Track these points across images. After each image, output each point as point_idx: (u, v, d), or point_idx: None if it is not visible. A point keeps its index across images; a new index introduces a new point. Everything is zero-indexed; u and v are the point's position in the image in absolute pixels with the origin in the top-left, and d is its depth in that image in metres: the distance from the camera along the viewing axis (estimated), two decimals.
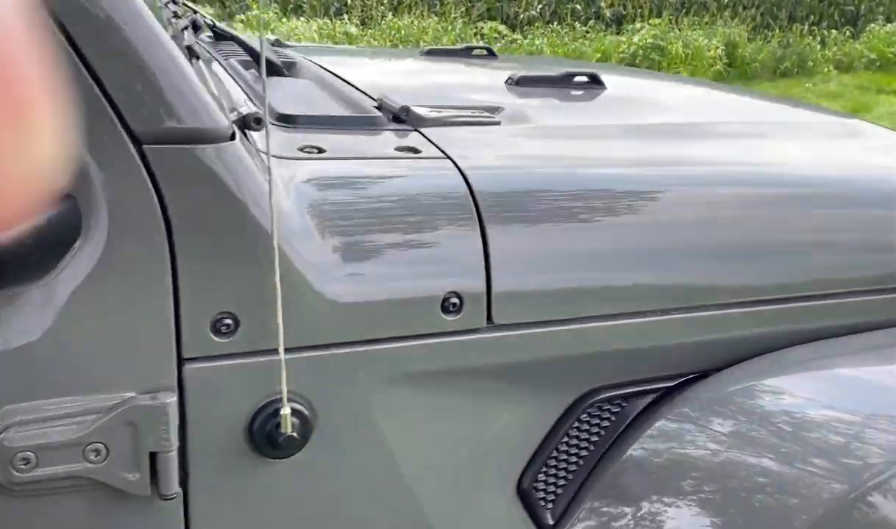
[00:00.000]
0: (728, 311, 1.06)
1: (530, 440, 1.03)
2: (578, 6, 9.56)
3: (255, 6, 8.61)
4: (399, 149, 1.02)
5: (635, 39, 9.00)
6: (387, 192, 0.93)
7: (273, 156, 0.93)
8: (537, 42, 8.86)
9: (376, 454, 0.93)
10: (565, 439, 1.04)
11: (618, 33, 9.37)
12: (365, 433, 0.92)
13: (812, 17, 10.10)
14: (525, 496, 1.03)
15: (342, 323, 0.87)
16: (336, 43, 8.40)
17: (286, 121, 1.05)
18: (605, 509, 1.02)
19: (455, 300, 0.92)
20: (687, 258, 1.05)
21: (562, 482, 1.05)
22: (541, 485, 1.04)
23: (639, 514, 1.00)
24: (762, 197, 1.11)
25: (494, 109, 1.25)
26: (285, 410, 0.83)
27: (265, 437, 0.85)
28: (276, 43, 1.93)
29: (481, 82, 1.63)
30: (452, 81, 1.64)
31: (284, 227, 0.83)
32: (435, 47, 2.01)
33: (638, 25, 9.32)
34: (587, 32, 9.27)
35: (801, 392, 1.03)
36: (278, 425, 0.84)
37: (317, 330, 0.86)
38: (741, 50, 9.34)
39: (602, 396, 1.05)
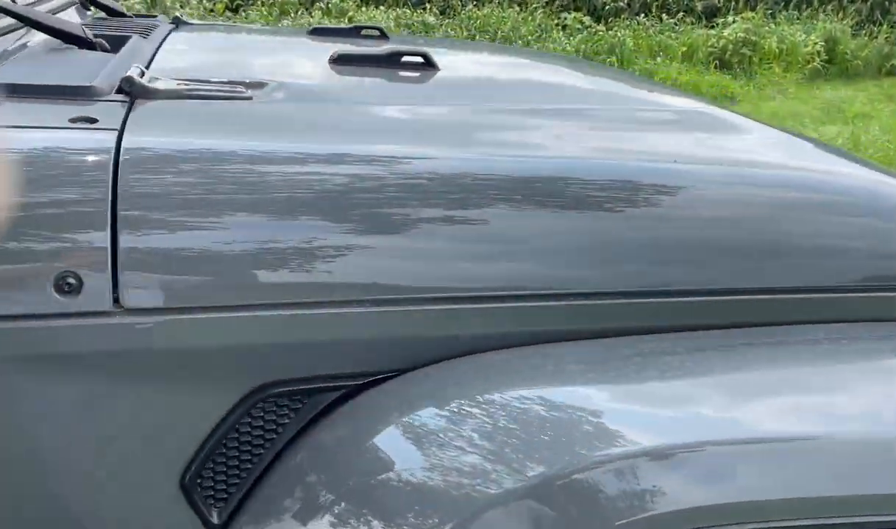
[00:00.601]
0: (422, 308, 0.97)
1: (191, 434, 0.96)
2: None
3: None
4: (74, 119, 0.97)
5: (725, 33, 8.61)
6: (16, 162, 0.89)
7: None
8: (620, 34, 8.60)
9: None
10: (234, 435, 0.97)
11: (709, 27, 8.99)
12: None
13: None
14: (188, 493, 0.97)
15: None
16: (414, 32, 8.39)
17: None
18: (276, 509, 0.95)
19: (72, 279, 0.87)
20: (379, 249, 0.96)
21: (233, 480, 0.98)
22: (207, 483, 0.97)
23: (309, 517, 0.92)
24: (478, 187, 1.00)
25: (258, 85, 1.18)
26: None
27: None
28: (175, 19, 1.91)
29: (303, 60, 1.55)
30: (271, 58, 1.56)
31: None
32: (321, 26, 1.94)
33: (730, 19, 8.91)
34: (675, 25, 8.93)
35: (484, 398, 0.93)
36: None
37: None
38: (842, 46, 8.81)
39: (277, 391, 0.97)
